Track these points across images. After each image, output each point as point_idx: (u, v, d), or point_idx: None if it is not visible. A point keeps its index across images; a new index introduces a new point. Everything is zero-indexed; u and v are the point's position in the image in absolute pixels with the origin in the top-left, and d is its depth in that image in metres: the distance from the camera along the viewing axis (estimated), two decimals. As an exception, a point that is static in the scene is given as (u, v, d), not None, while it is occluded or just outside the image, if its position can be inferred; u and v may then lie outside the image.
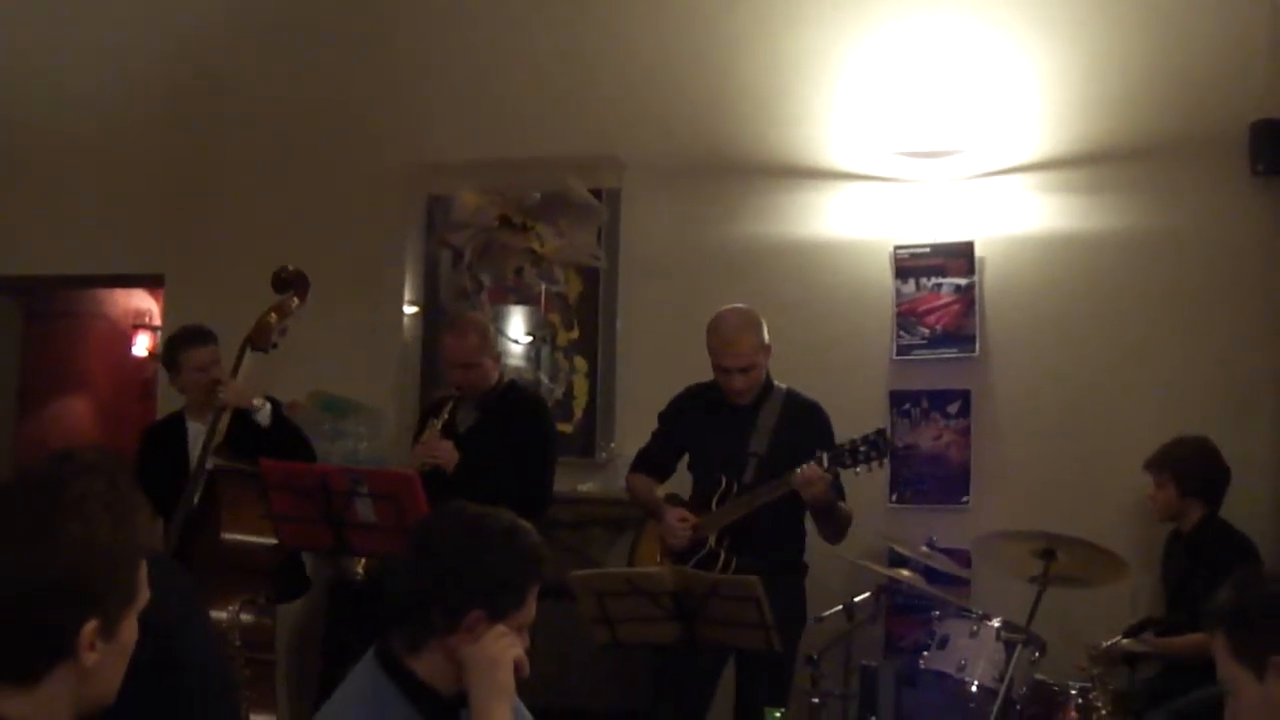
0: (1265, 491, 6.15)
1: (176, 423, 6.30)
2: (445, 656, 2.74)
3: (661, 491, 5.78)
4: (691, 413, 5.76)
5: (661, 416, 5.87)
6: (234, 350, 6.13)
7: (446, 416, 5.85)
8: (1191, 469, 5.78)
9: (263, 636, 5.87)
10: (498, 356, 6.15)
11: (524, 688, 2.79)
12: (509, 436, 5.83)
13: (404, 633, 2.78)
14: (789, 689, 5.38)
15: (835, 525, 5.53)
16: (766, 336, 5.52)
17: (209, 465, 5.93)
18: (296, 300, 6.24)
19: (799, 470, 5.22)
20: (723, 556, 5.38)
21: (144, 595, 2.04)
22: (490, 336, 6.16)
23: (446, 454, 5.74)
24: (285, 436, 6.06)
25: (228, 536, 5.82)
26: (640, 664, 5.86)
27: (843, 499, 5.51)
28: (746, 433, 5.54)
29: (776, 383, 5.64)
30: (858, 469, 5.26)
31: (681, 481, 5.83)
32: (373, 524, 5.32)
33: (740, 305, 5.60)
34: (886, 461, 5.42)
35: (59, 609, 1.90)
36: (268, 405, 6.04)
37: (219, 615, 5.59)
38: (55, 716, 1.94)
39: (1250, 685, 2.63)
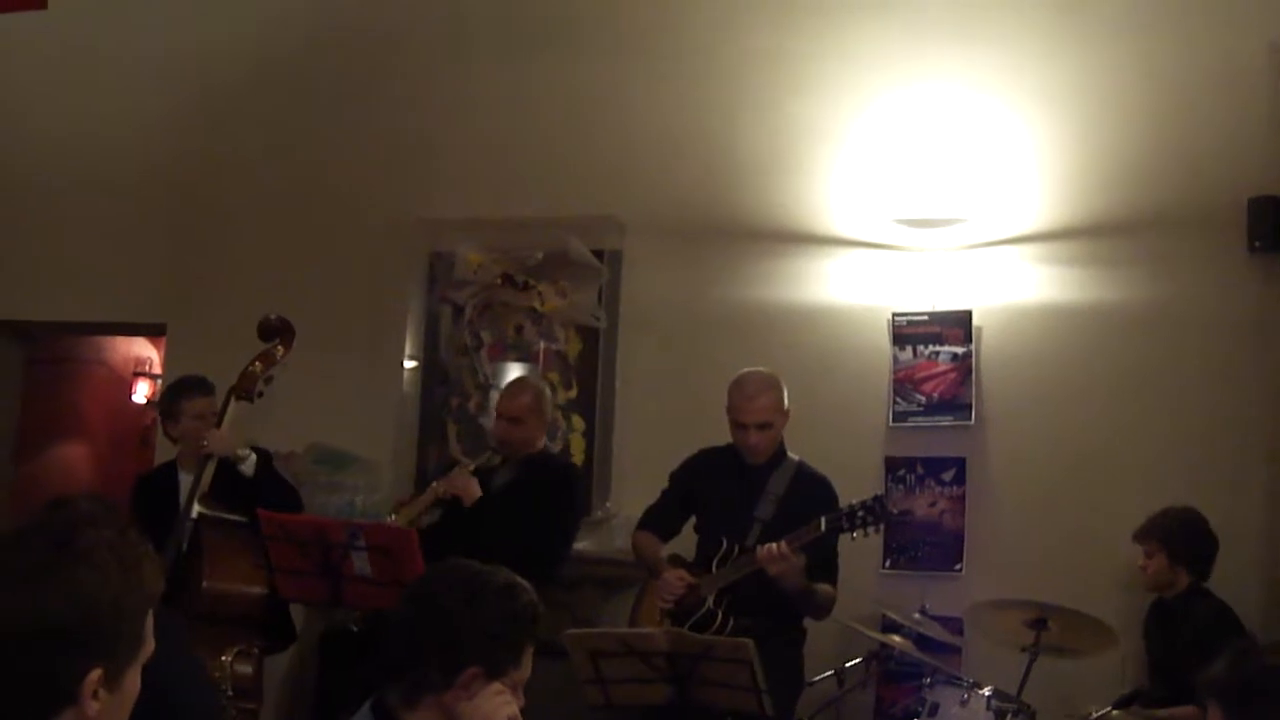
0: (1253, 563, 6.14)
1: (169, 472, 6.31)
2: (441, 712, 2.75)
3: (665, 552, 5.80)
4: (703, 473, 5.80)
5: (672, 475, 5.91)
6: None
7: (481, 464, 5.91)
8: (1180, 538, 5.79)
9: (250, 685, 5.86)
10: (545, 425, 6.30)
11: (517, 746, 2.81)
12: (536, 500, 5.88)
13: (400, 687, 2.79)
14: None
15: (810, 607, 5.54)
16: (786, 401, 5.59)
17: (194, 513, 5.94)
18: (282, 349, 6.24)
19: (761, 548, 5.25)
20: (720, 617, 5.39)
21: (149, 646, 2.05)
22: (545, 404, 6.32)
23: (470, 488, 5.79)
24: (271, 487, 6.05)
25: (210, 584, 5.82)
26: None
27: (832, 582, 5.54)
28: (754, 497, 5.58)
29: (790, 454, 5.68)
30: (854, 534, 5.29)
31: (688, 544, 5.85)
32: (369, 577, 5.34)
33: (763, 369, 5.67)
34: (882, 527, 5.45)
35: (65, 656, 1.90)
36: (252, 455, 6.03)
37: (212, 665, 5.59)
38: (57, 763, 1.94)
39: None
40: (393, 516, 6.07)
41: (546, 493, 5.96)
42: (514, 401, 6.13)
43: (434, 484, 6.12)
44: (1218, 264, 6.44)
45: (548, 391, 6.53)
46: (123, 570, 1.97)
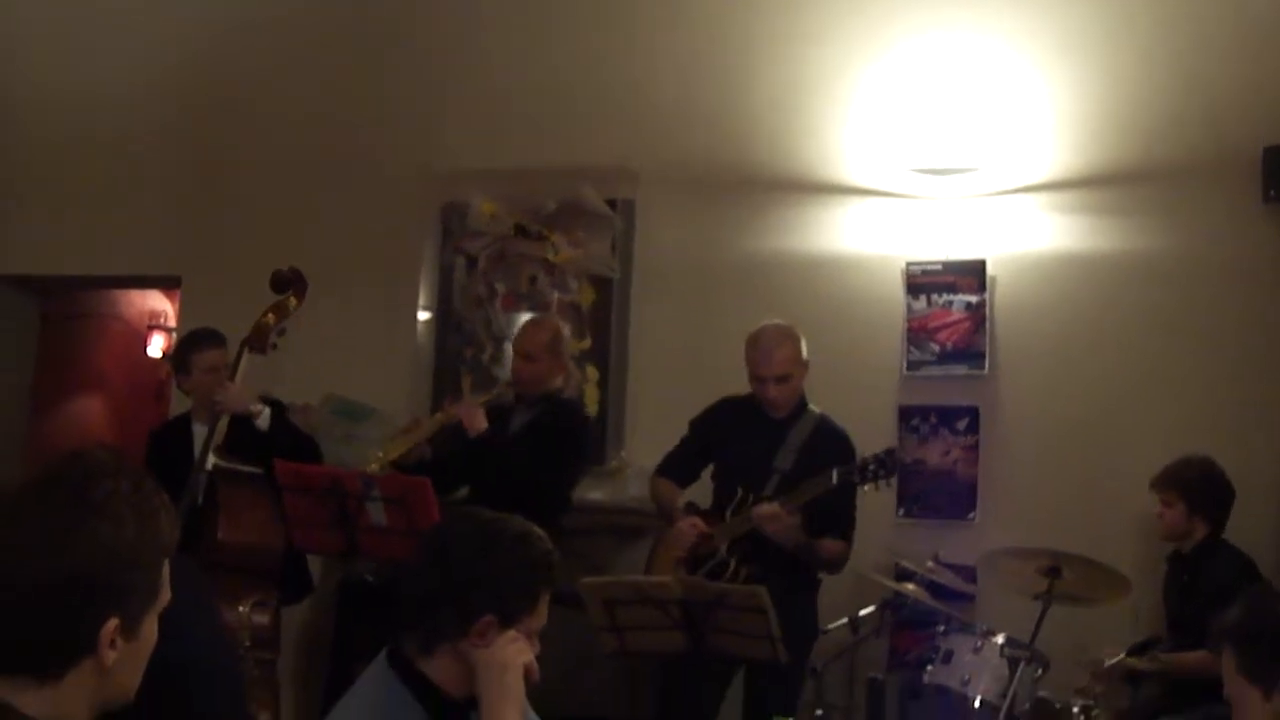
0: (1269, 513, 6.15)
1: (182, 425, 6.32)
2: (456, 660, 2.77)
3: (683, 500, 5.81)
4: (723, 421, 5.80)
5: (693, 423, 5.91)
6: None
7: (493, 397, 5.89)
8: (1200, 488, 5.79)
9: (268, 636, 5.90)
10: (563, 365, 6.28)
11: (533, 693, 2.82)
12: (548, 444, 5.89)
13: (416, 636, 2.80)
14: (798, 701, 5.42)
15: (815, 563, 5.56)
16: (805, 353, 5.59)
17: (209, 466, 5.96)
18: (294, 301, 6.23)
19: (757, 507, 5.29)
20: (733, 565, 5.41)
21: (166, 595, 2.06)
22: (562, 343, 6.29)
23: (476, 419, 5.78)
24: (285, 440, 6.05)
25: (226, 536, 5.84)
26: (649, 673, 5.89)
27: (848, 535, 5.56)
28: (774, 447, 5.59)
29: (811, 406, 5.69)
30: (866, 486, 5.31)
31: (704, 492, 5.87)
32: (384, 527, 5.35)
33: (779, 321, 5.67)
34: (890, 483, 5.47)
35: (82, 606, 1.92)
36: (266, 409, 6.03)
37: (229, 615, 5.62)
38: (74, 714, 1.96)
39: (1257, 703, 2.66)
40: (380, 454, 5.99)
41: (556, 437, 5.96)
42: (531, 338, 6.10)
43: (437, 414, 6.08)
44: (1233, 213, 6.42)
45: (566, 331, 6.50)
46: (138, 520, 1.98)
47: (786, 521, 5.27)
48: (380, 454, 5.93)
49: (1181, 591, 5.81)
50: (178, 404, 7.07)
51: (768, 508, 5.26)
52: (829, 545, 5.50)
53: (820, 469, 5.34)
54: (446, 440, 5.97)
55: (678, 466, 5.91)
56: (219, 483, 5.93)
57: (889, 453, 5.34)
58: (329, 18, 7.96)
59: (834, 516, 5.47)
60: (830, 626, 5.72)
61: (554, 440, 5.92)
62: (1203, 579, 5.67)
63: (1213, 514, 5.78)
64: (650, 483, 5.98)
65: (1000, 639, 5.52)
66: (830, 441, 5.60)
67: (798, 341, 5.59)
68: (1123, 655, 5.56)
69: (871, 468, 5.25)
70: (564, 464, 5.95)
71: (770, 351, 5.54)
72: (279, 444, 5.91)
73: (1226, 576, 5.50)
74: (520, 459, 5.75)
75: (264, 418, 5.99)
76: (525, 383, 6.04)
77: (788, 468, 5.53)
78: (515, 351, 6.13)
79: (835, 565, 5.59)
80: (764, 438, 5.62)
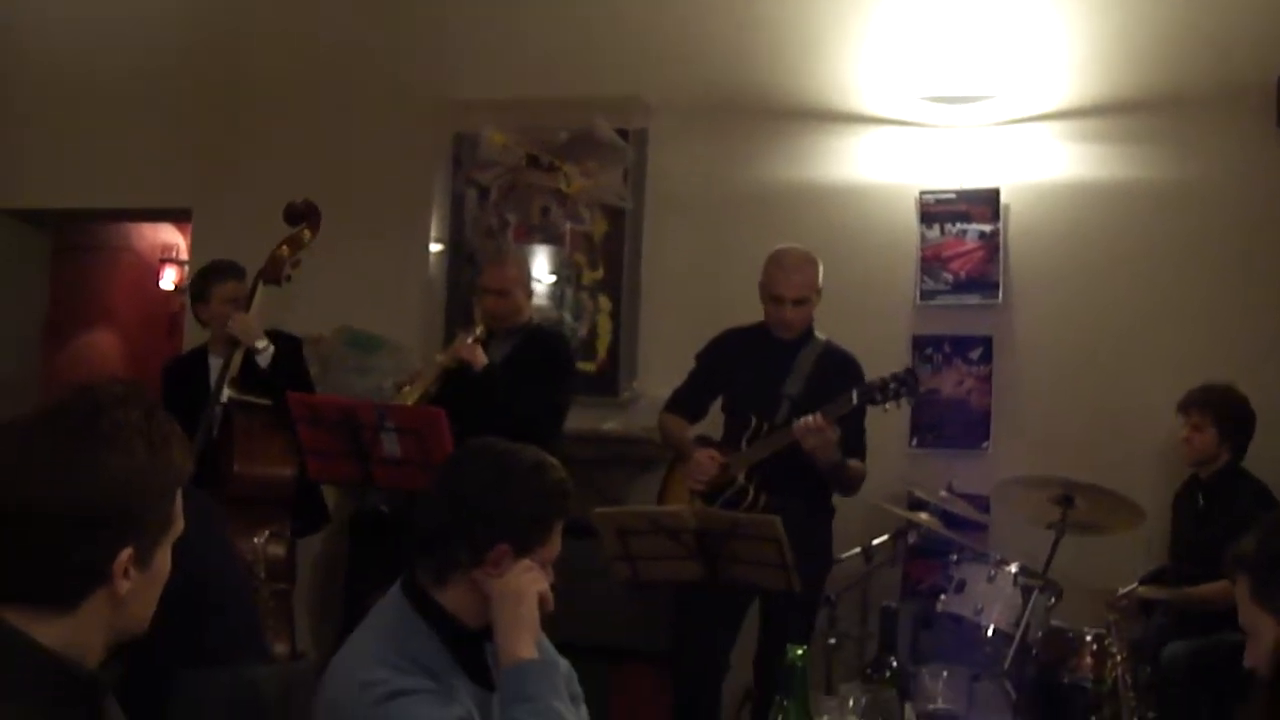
0: (1280, 443, 6.16)
1: (199, 357, 6.33)
2: (471, 589, 2.77)
3: (693, 434, 5.81)
4: (729, 352, 5.79)
5: (698, 356, 5.90)
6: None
7: (480, 335, 5.88)
8: (1231, 413, 5.79)
9: (283, 567, 5.93)
10: (530, 295, 6.25)
11: (548, 623, 2.83)
12: (532, 368, 5.88)
13: (430, 565, 2.81)
14: (814, 630, 5.44)
15: (842, 483, 5.55)
16: (821, 280, 5.57)
17: (224, 398, 5.97)
18: (309, 233, 6.23)
19: (798, 420, 5.26)
20: (751, 493, 5.41)
21: (179, 525, 2.06)
22: (527, 272, 6.35)
23: (478, 355, 5.77)
24: (285, 381, 5.96)
25: (241, 468, 5.87)
26: (664, 602, 5.91)
27: (861, 457, 5.55)
28: (783, 374, 5.58)
29: (817, 333, 5.68)
30: (885, 406, 5.30)
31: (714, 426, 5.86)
32: (398, 459, 5.36)
33: (800, 245, 5.66)
34: (911, 401, 5.47)
35: (95, 536, 1.92)
36: (270, 348, 6.01)
37: (244, 546, 5.64)
38: (89, 643, 1.97)
39: (1271, 629, 2.66)
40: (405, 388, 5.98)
41: (545, 364, 5.95)
42: (500, 275, 6.07)
43: (437, 357, 6.07)
44: (1247, 142, 6.40)
45: (528, 261, 6.55)
46: (150, 450, 1.97)
47: (828, 435, 5.24)
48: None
49: (1198, 518, 5.81)
50: (191, 337, 7.09)
51: (810, 419, 5.22)
52: (856, 465, 5.51)
53: (831, 392, 5.33)
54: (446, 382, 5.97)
55: (686, 401, 5.90)
56: (234, 415, 5.95)
57: (909, 371, 5.35)
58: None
59: (852, 438, 5.47)
60: (844, 556, 5.74)
61: (544, 367, 5.91)
62: (1223, 506, 5.67)
63: (1238, 440, 5.79)
64: (659, 420, 5.97)
65: (1013, 568, 5.54)
66: (838, 364, 5.59)
67: (817, 267, 5.58)
68: (1136, 585, 5.56)
69: (893, 386, 5.25)
70: (556, 389, 5.93)
71: (792, 273, 5.53)
72: (278, 384, 5.89)
73: (1243, 503, 5.51)
74: (513, 390, 5.73)
75: (265, 355, 5.98)
76: (501, 317, 6.01)
77: (797, 393, 5.52)
78: (487, 290, 6.07)
79: (857, 486, 5.59)
80: (772, 366, 5.61)
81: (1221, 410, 5.77)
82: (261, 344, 5.98)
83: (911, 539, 5.82)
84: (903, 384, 5.26)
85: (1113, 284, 6.54)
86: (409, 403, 5.70)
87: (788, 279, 5.53)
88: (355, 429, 5.37)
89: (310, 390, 6.21)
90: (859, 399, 5.26)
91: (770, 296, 5.57)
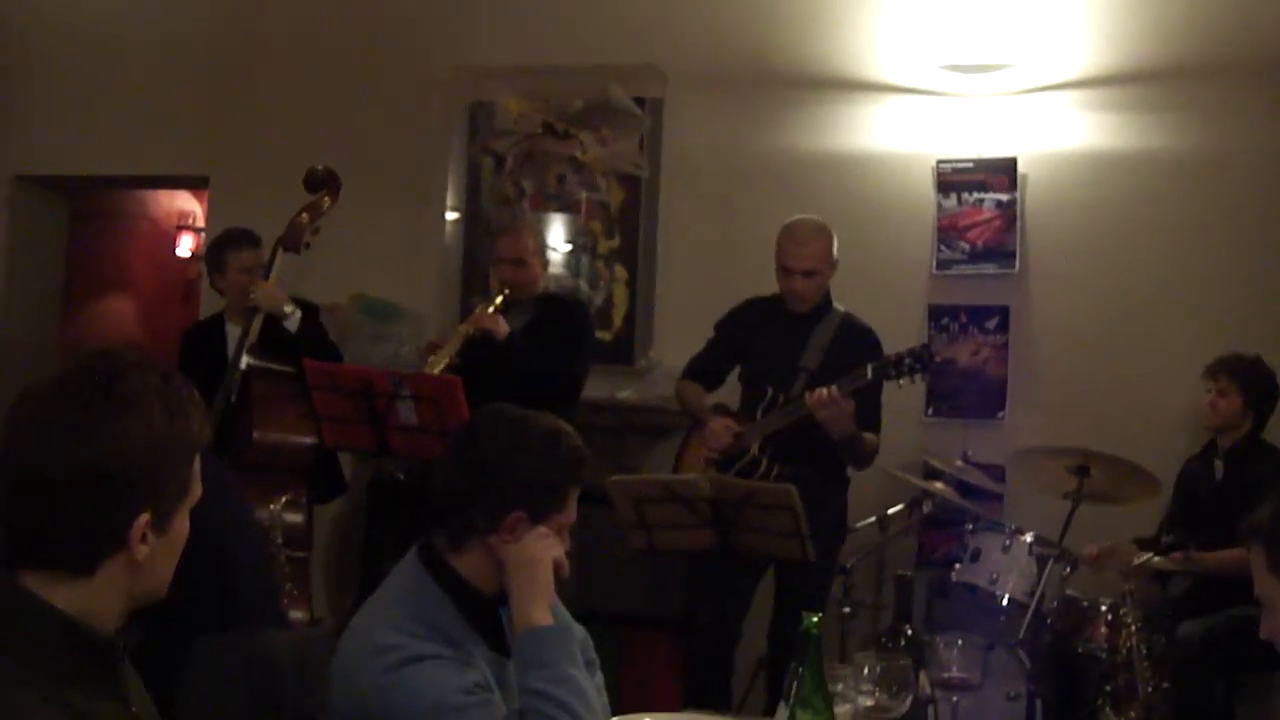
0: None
1: (216, 324, 6.35)
2: (486, 555, 2.78)
3: (710, 401, 5.81)
4: (748, 322, 5.79)
5: (718, 325, 5.90)
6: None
7: (501, 305, 5.88)
8: (1256, 381, 5.78)
9: (300, 533, 5.95)
10: (546, 263, 6.28)
11: (563, 589, 2.84)
12: (552, 336, 5.88)
13: (446, 532, 2.81)
14: (827, 599, 5.45)
15: (855, 456, 5.54)
16: (835, 251, 5.56)
17: (243, 365, 5.99)
18: (328, 200, 6.24)
19: (812, 392, 5.25)
20: (764, 463, 5.41)
21: (197, 490, 2.07)
22: (542, 241, 6.39)
23: (499, 324, 5.78)
24: (312, 344, 6.04)
25: (260, 435, 5.89)
26: (678, 570, 5.92)
27: (875, 431, 5.55)
28: (800, 346, 5.57)
29: (836, 304, 5.67)
30: (901, 381, 5.29)
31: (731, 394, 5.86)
32: (414, 426, 5.37)
33: (814, 216, 5.64)
34: (925, 378, 5.45)
35: (113, 500, 1.93)
36: (297, 312, 6.03)
37: (261, 513, 5.66)
38: (107, 608, 1.98)
39: (1288, 600, 2.65)
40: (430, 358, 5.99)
41: (565, 331, 5.95)
42: (516, 244, 6.08)
43: (460, 327, 6.08)
44: (1267, 111, 6.36)
45: (541, 229, 6.59)
46: (168, 414, 1.98)
47: (843, 407, 5.23)
48: None
49: (1216, 487, 5.80)
50: (208, 304, 7.10)
51: (824, 392, 5.20)
52: (870, 438, 5.50)
53: (848, 366, 5.32)
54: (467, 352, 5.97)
55: (703, 369, 5.91)
56: (253, 382, 5.96)
57: (924, 347, 5.32)
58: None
59: (867, 411, 5.46)
60: (859, 525, 5.75)
61: (564, 335, 5.91)
62: (1245, 474, 5.66)
63: (1262, 410, 5.78)
64: (676, 387, 5.97)
65: (1029, 537, 5.54)
66: (856, 337, 5.58)
67: (830, 239, 5.56)
68: (1152, 554, 5.56)
69: (907, 361, 5.23)
70: (576, 357, 5.94)
71: (803, 245, 5.51)
72: (305, 348, 5.92)
73: (1264, 473, 5.50)
74: (534, 358, 5.74)
75: (294, 319, 6.00)
76: (518, 286, 6.01)
77: (814, 366, 5.52)
78: (503, 260, 6.08)
79: (870, 459, 5.59)
80: (789, 337, 5.61)
81: (1249, 379, 5.77)
82: (289, 308, 6.00)
83: (927, 508, 5.80)
84: (917, 359, 5.23)
85: (1130, 254, 6.51)
86: (434, 372, 5.71)
87: (798, 250, 5.52)
88: (371, 396, 5.38)
89: (338, 356, 6.23)
90: (874, 374, 5.24)
91: (781, 268, 5.56)
